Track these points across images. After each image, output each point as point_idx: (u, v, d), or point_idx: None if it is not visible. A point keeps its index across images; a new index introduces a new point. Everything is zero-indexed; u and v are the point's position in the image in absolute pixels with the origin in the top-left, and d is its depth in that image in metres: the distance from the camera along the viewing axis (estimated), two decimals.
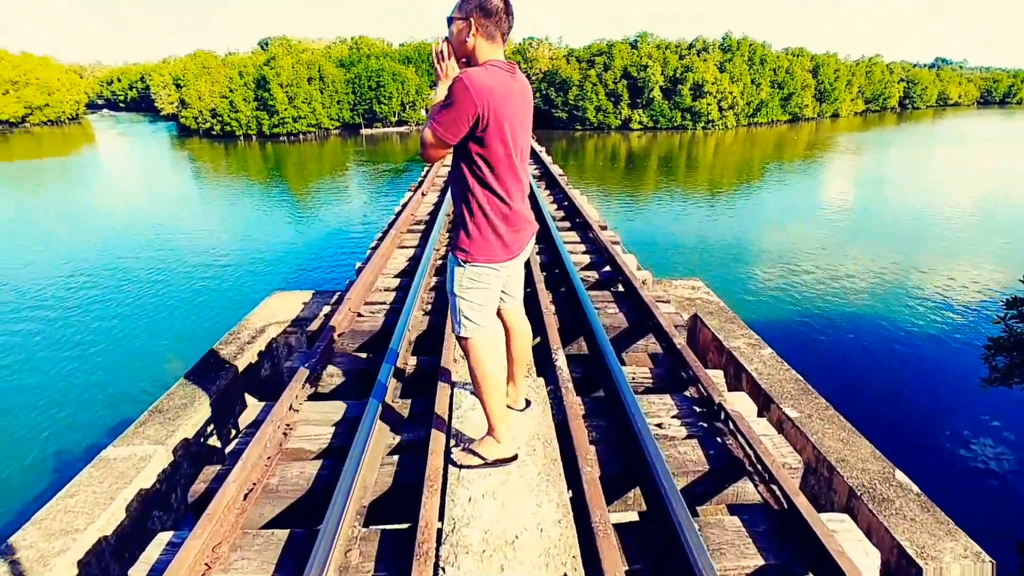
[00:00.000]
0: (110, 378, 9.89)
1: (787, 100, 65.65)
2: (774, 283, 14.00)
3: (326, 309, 5.14)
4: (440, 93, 2.34)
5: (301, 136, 57.02)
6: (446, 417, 3.02)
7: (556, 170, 13.02)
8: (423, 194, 10.11)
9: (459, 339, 2.55)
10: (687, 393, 3.56)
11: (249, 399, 5.47)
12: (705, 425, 3.19)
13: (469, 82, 2.11)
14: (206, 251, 17.99)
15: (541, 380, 3.44)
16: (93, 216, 23.74)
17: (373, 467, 2.77)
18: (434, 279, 5.55)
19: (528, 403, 3.12)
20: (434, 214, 8.47)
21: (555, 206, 9.46)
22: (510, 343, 2.81)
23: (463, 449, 2.72)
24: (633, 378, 3.77)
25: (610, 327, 4.50)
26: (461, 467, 2.65)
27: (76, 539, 3.33)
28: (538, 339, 4.33)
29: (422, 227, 7.81)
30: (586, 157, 42.84)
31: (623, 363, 4.12)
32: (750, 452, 2.84)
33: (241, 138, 55.98)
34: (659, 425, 3.18)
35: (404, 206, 9.42)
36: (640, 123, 60.27)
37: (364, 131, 61.69)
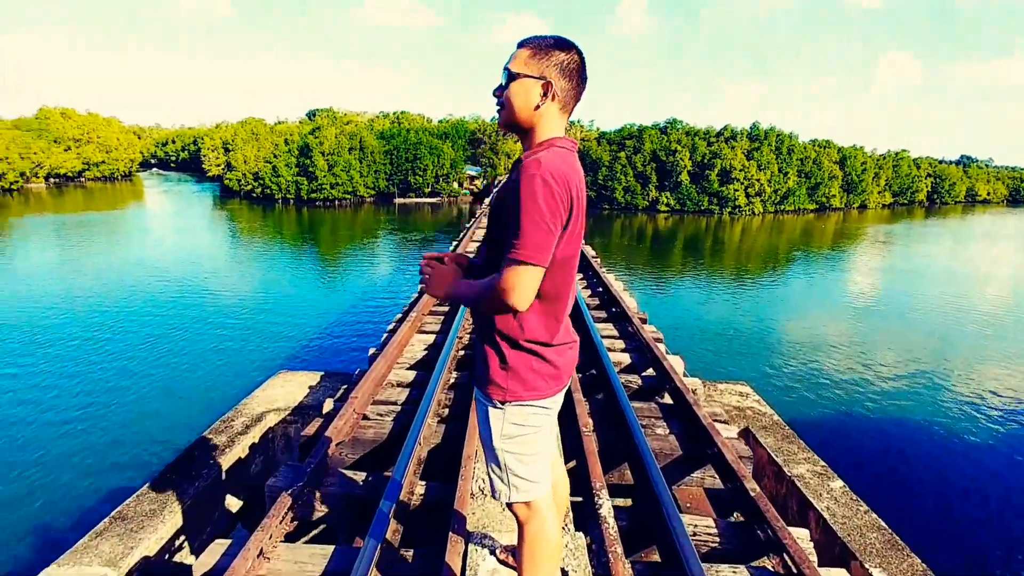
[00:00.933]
0: (76, 470, 8.76)
1: (814, 189, 65.98)
2: (823, 387, 12.91)
3: (329, 403, 4.49)
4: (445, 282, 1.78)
5: (337, 202, 58.67)
6: None
7: (588, 250, 12.52)
8: None
9: (511, 507, 1.89)
10: (768, 565, 2.76)
11: (230, 503, 4.75)
12: None
13: (552, 177, 1.52)
14: (219, 316, 17.64)
15: (581, 537, 2.68)
16: (121, 273, 23.94)
17: None
18: (454, 375, 4.90)
19: (564, 573, 2.37)
20: None
21: (588, 291, 8.87)
22: None
23: None
24: (694, 533, 2.98)
25: (660, 453, 3.75)
26: None
27: None
28: (573, 463, 3.60)
29: (446, 308, 7.25)
30: (613, 236, 42.85)
31: (677, 505, 3.34)
32: None
33: (280, 201, 57.83)
34: None
35: None
36: (667, 205, 60.90)
37: (397, 200, 63.33)
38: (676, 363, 5.44)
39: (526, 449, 1.80)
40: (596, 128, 72.97)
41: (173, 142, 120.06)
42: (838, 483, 4.60)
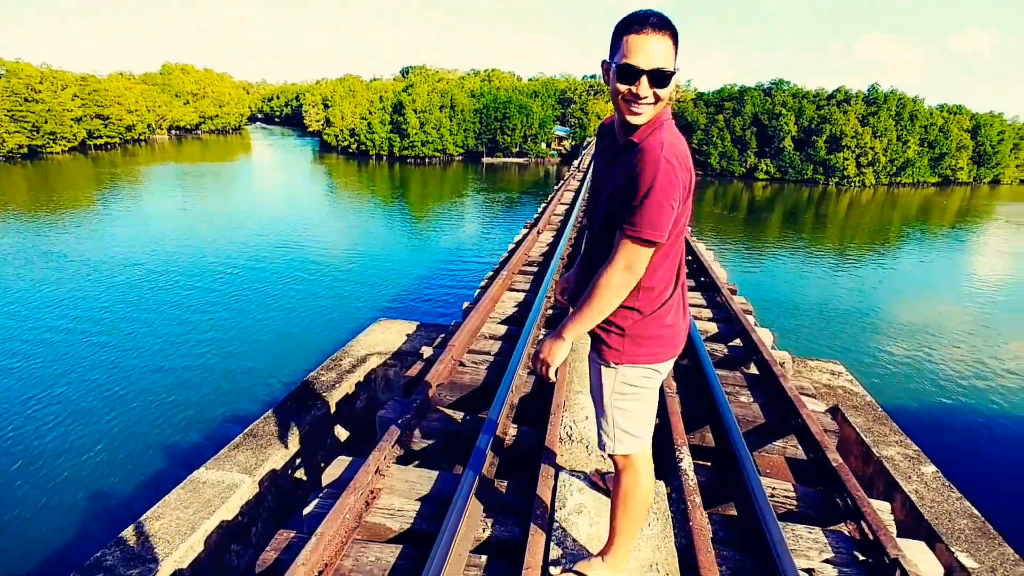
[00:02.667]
0: (212, 391, 10.18)
1: (938, 160, 59.41)
2: (927, 375, 12.12)
3: (427, 349, 4.89)
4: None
5: (427, 160, 60.01)
6: (547, 515, 2.57)
7: None
8: (539, 232, 9.84)
9: (612, 457, 2.07)
10: (844, 530, 2.85)
11: (339, 432, 5.34)
12: None
13: (674, 157, 1.62)
14: (322, 264, 18.98)
15: (661, 485, 2.89)
16: (234, 222, 26.01)
17: (457, 569, 2.37)
18: (543, 331, 5.15)
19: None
20: (549, 256, 8.14)
21: None
22: None
23: (565, 570, 2.26)
24: (772, 494, 3.10)
25: (743, 420, 3.85)
26: None
27: (152, 569, 3.21)
28: (656, 421, 3.78)
29: (535, 269, 7.49)
30: (705, 204, 41.10)
31: (757, 470, 3.45)
32: None
33: (374, 157, 59.94)
34: (809, 572, 2.52)
35: (518, 244, 9.20)
36: (766, 173, 57.26)
37: (485, 159, 63.81)
38: (765, 336, 5.41)
39: (634, 407, 1.95)
40: (694, 88, 69.30)
41: (277, 98, 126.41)
42: (930, 468, 4.50)
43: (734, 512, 3.02)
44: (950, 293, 19.55)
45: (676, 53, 1.65)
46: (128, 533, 3.45)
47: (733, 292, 6.85)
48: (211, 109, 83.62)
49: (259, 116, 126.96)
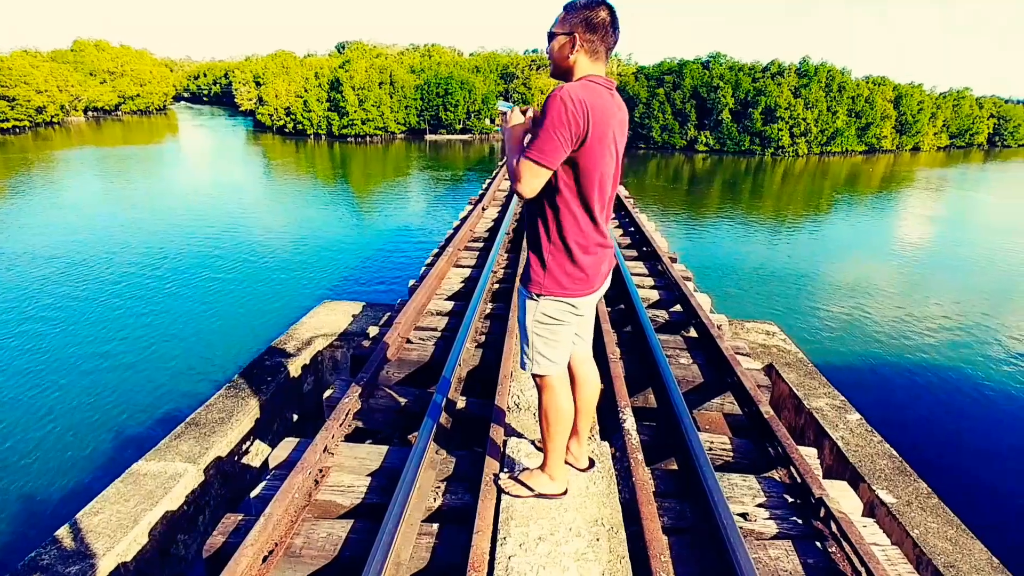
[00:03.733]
0: (149, 381, 9.74)
1: (864, 130, 62.52)
2: (856, 331, 12.90)
3: (374, 329, 4.86)
4: (516, 137, 2.14)
5: (368, 138, 58.42)
6: (496, 480, 2.64)
7: (622, 191, 12.52)
8: (483, 208, 9.83)
9: (534, 376, 2.38)
10: (776, 476, 3.05)
11: (288, 416, 5.25)
12: (800, 522, 2.68)
13: (569, 98, 1.87)
14: (262, 248, 18.34)
15: (606, 445, 3.01)
16: (159, 206, 24.69)
17: (409, 538, 2.41)
18: (489, 306, 5.20)
19: (592, 463, 2.79)
20: (494, 232, 8.15)
21: (620, 231, 8.99)
22: (576, 392, 2.52)
23: (511, 476, 2.63)
24: (710, 448, 3.28)
25: (682, 380, 4.02)
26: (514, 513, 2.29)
27: (93, 564, 3.11)
28: (600, 387, 3.91)
29: (480, 245, 7.50)
30: (647, 177, 41.89)
31: (696, 426, 3.63)
32: (861, 570, 2.32)
33: (311, 137, 57.87)
34: (743, 515, 2.69)
35: (463, 220, 9.17)
36: (706, 145, 58.79)
37: (428, 137, 62.70)
38: (703, 300, 5.63)
39: (550, 335, 2.24)
40: (634, 63, 69.92)
41: (204, 75, 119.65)
42: (855, 416, 4.84)
43: (675, 467, 3.18)
44: (876, 255, 20.78)
45: (564, 23, 2.02)
46: (64, 531, 3.32)
47: (673, 260, 7.07)
48: (131, 88, 78.33)
49: (185, 95, 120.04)
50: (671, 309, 5.58)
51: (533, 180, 1.97)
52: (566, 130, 1.88)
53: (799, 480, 2.86)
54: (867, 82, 65.86)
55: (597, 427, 3.24)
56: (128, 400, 9.16)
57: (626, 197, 11.62)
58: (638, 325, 4.70)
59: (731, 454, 3.27)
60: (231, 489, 4.31)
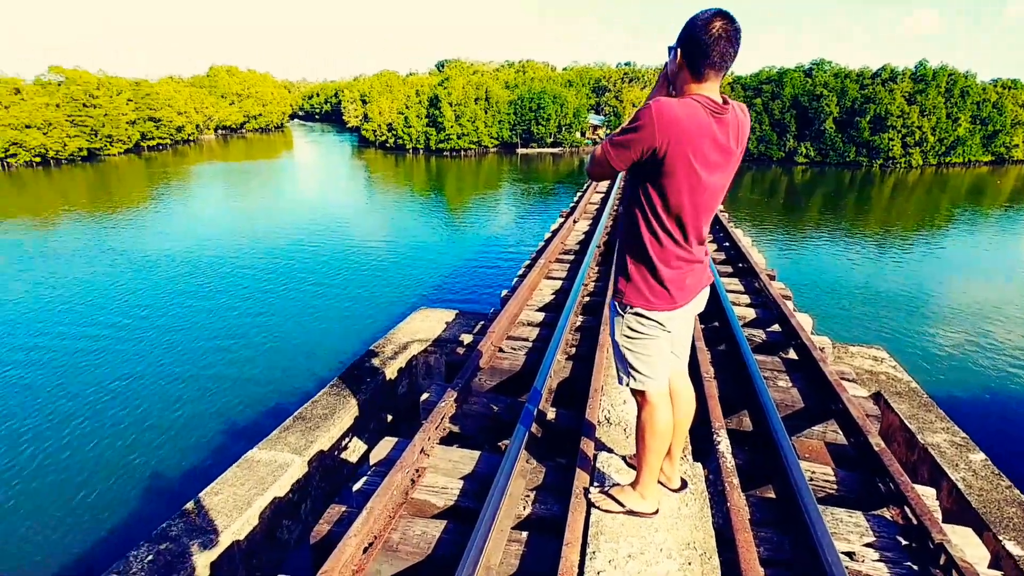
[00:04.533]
0: (262, 376, 10.69)
1: (991, 138, 56.05)
2: (978, 361, 11.61)
3: (467, 336, 5.01)
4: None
5: (462, 152, 60.31)
6: (584, 490, 2.64)
7: None
8: (574, 221, 9.85)
9: (632, 392, 2.39)
10: (887, 515, 2.82)
11: (383, 415, 5.51)
12: (915, 568, 2.46)
13: (656, 109, 1.90)
14: (363, 255, 19.42)
15: (699, 467, 2.92)
16: (272, 216, 26.82)
17: (499, 544, 2.47)
18: (580, 318, 5.20)
19: (684, 484, 2.73)
20: (585, 244, 8.16)
21: (714, 246, 8.69)
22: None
23: (601, 491, 2.61)
24: (811, 478, 3.09)
25: (781, 404, 3.82)
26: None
27: (213, 539, 3.43)
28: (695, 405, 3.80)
29: (572, 257, 7.53)
30: (742, 189, 40.09)
31: (796, 454, 3.44)
32: None
33: (410, 151, 60.61)
34: (849, 554, 2.52)
35: (554, 233, 9.24)
36: (806, 156, 55.41)
37: (520, 150, 63.72)
38: (804, 320, 5.33)
39: (641, 350, 2.25)
40: (731, 73, 67.45)
41: (317, 95, 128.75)
42: (979, 455, 4.38)
43: (772, 495, 3.03)
44: (1002, 278, 18.62)
45: (679, 35, 2.01)
46: (190, 506, 3.68)
47: (771, 277, 6.74)
48: (255, 108, 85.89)
49: (300, 113, 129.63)
50: (769, 329, 5.32)
51: (594, 166, 2.10)
52: (636, 139, 1.93)
53: (915, 521, 2.63)
54: (995, 86, 59.22)
55: (690, 447, 3.15)
56: (243, 392, 10.05)
57: (720, 211, 11.22)
58: (733, 344, 4.53)
59: (835, 486, 3.07)
60: (331, 481, 4.59)
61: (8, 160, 45.59)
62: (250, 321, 13.38)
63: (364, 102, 74.12)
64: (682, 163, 1.93)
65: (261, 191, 35.80)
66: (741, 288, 6.47)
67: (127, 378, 10.56)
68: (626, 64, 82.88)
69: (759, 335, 5.13)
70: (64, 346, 11.98)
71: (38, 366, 11.15)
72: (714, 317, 5.37)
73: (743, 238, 9.00)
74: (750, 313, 5.66)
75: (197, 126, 70.76)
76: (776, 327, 5.36)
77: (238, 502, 3.73)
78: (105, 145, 53.08)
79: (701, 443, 3.32)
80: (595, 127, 68.93)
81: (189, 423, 9.14)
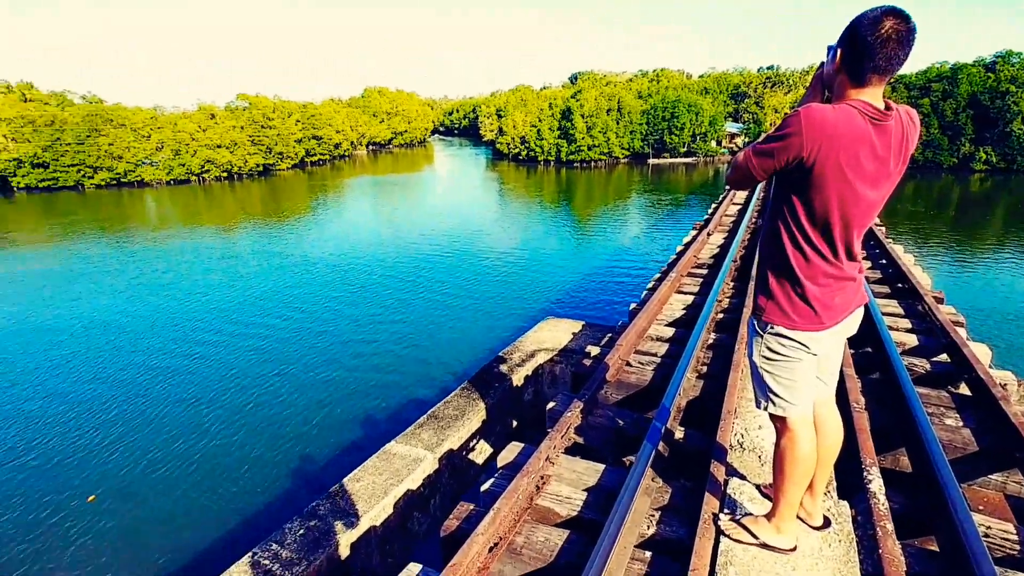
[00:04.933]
0: (399, 373, 11.58)
1: None
2: None
3: (593, 348, 5.01)
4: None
5: (592, 163, 60.27)
6: (713, 517, 2.54)
7: None
8: (708, 234, 9.45)
9: (771, 418, 2.24)
10: None
11: (508, 420, 5.67)
12: None
13: (805, 116, 1.78)
14: (494, 263, 20.14)
15: (846, 505, 2.68)
16: (413, 225, 28.67)
17: (621, 561, 2.45)
18: (713, 336, 4.99)
19: (827, 522, 2.51)
20: (720, 259, 7.80)
21: (868, 263, 7.87)
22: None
23: (732, 519, 2.49)
24: (986, 534, 2.70)
25: (948, 445, 3.38)
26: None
27: (353, 522, 3.75)
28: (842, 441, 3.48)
29: (705, 272, 7.24)
30: (903, 200, 35.69)
31: (967, 504, 3.02)
32: None
33: (541, 163, 61.75)
34: None
35: (687, 246, 8.93)
36: (986, 163, 48.02)
37: (651, 161, 62.31)
38: (980, 351, 4.66)
39: (782, 373, 2.10)
40: None
41: (457, 111, 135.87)
42: None
43: (934, 547, 2.69)
44: None
45: (841, 35, 1.87)
46: (335, 490, 4.05)
47: (939, 301, 5.96)
48: (401, 125, 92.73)
49: (440, 129, 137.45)
50: (934, 359, 4.72)
51: (735, 173, 2.02)
52: (782, 147, 1.83)
53: None
54: None
55: (835, 483, 2.90)
56: (383, 388, 10.93)
57: (875, 225, 10.13)
58: (890, 373, 4.07)
59: (1017, 547, 2.65)
60: (458, 479, 4.81)
61: (203, 175, 53.30)
62: (390, 323, 14.45)
63: (499, 116, 76.89)
64: (833, 174, 1.80)
65: (404, 202, 38.48)
66: (900, 311, 5.81)
67: (282, 372, 11.89)
68: (769, 68, 77.80)
69: (922, 365, 4.57)
70: (233, 343, 13.75)
71: (212, 358, 12.90)
72: (867, 342, 4.88)
73: (903, 255, 8.06)
74: (911, 339, 5.06)
75: (352, 143, 77.68)
76: (943, 357, 4.74)
77: (376, 490, 4.05)
78: (277, 161, 60.07)
79: (847, 479, 3.04)
80: (732, 135, 65.51)
81: (333, 413, 10.09)
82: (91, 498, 8.27)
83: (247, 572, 3.37)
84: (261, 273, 19.69)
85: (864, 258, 8.24)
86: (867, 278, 6.95)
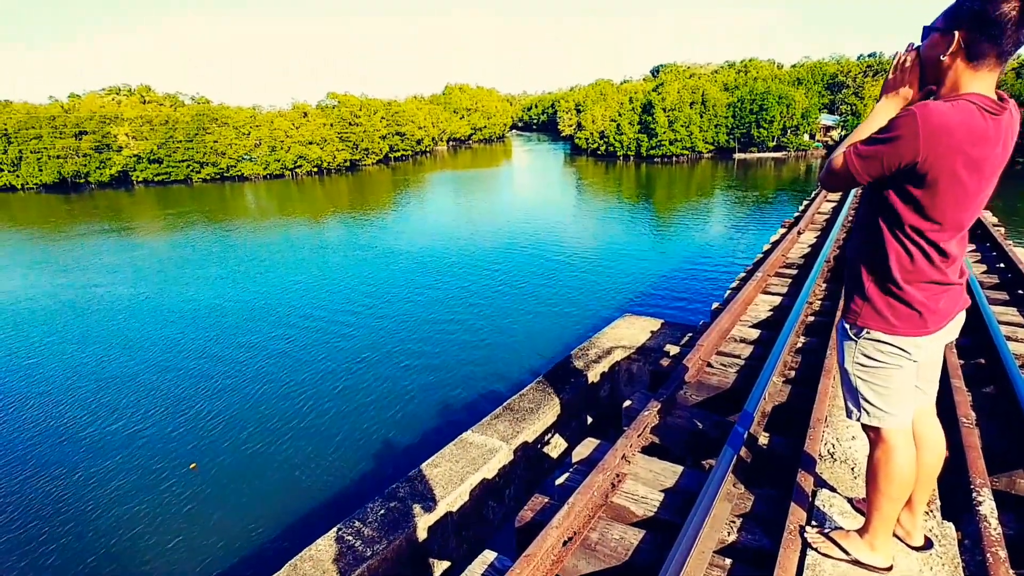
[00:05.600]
0: (478, 365, 11.86)
1: None
2: None
3: (672, 347, 4.89)
4: (876, 114, 1.86)
5: (674, 158, 58.56)
6: (801, 532, 2.42)
7: (988, 216, 9.95)
8: (799, 232, 8.96)
9: (865, 428, 2.09)
10: None
11: (583, 417, 5.65)
12: None
13: (922, 118, 1.60)
14: (572, 258, 20.07)
15: (950, 527, 2.48)
16: (492, 220, 29.03)
17: (700, 566, 2.39)
18: (802, 339, 4.74)
19: (929, 543, 2.33)
20: (811, 258, 7.38)
21: (983, 267, 7.18)
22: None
23: (821, 532, 2.36)
24: None
25: None
26: None
27: (431, 506, 3.87)
28: (946, 454, 3.22)
29: (794, 272, 6.87)
30: (1020, 198, 32.10)
31: None
32: None
33: (621, 158, 60.71)
34: None
35: (774, 245, 8.51)
36: None
37: (737, 155, 59.67)
38: None
39: (879, 381, 1.95)
40: (1018, 55, 54.50)
41: (535, 107, 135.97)
42: None
43: None
44: None
45: (945, 17, 1.70)
46: (414, 474, 4.20)
47: None
48: (481, 121, 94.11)
49: (519, 125, 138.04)
50: None
51: (830, 176, 1.88)
52: (890, 151, 1.67)
53: None
54: None
55: (938, 502, 2.69)
56: (461, 377, 11.26)
57: (993, 225, 9.20)
58: (1007, 385, 3.71)
59: None
60: (532, 471, 4.86)
61: (296, 171, 56.53)
62: (467, 315, 14.77)
63: (578, 111, 76.26)
64: (947, 177, 1.65)
65: (483, 196, 39.10)
66: (1020, 320, 5.27)
67: (365, 360, 12.45)
68: (870, 55, 72.37)
69: None
70: (322, 329, 14.53)
71: (302, 344, 13.70)
72: (979, 352, 4.47)
73: (1023, 257, 7.29)
74: None
75: (433, 139, 79.70)
76: None
77: (453, 477, 4.16)
78: (363, 157, 62.69)
79: (953, 499, 2.81)
80: (827, 128, 61.49)
81: (413, 401, 10.47)
82: (193, 465, 9.04)
83: (332, 546, 3.57)
84: (347, 264, 20.70)
85: (978, 260, 7.54)
86: (981, 283, 6.34)
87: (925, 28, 1.77)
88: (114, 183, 53.68)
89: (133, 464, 9.15)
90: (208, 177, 54.27)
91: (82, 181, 53.26)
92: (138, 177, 53.69)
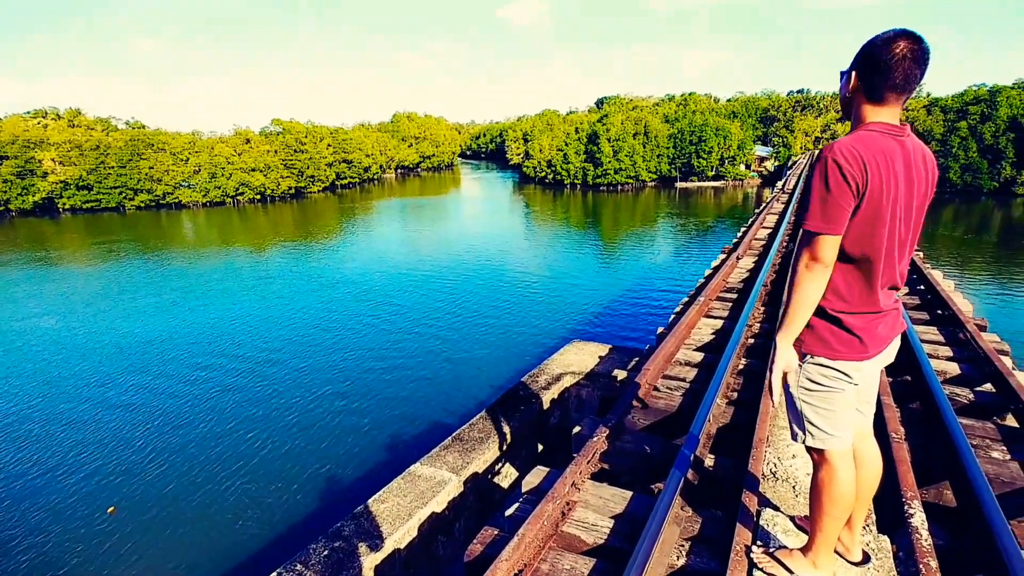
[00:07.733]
0: (424, 395, 11.61)
1: None
2: None
3: (620, 372, 4.95)
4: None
5: (619, 187, 60.32)
6: (747, 553, 2.45)
7: None
8: (738, 258, 9.32)
9: (808, 450, 2.15)
10: None
11: (534, 444, 5.61)
12: None
13: (841, 156, 1.75)
14: (519, 287, 20.15)
15: (886, 540, 2.57)
16: (439, 247, 28.96)
17: None
18: (743, 361, 4.89)
19: (866, 557, 2.41)
20: (750, 283, 7.67)
21: (905, 289, 7.66)
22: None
23: (766, 552, 2.39)
24: None
25: (996, 480, 3.23)
26: None
27: (378, 544, 3.72)
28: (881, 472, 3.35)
29: (734, 296, 7.12)
30: (940, 225, 34.81)
31: (1018, 543, 2.87)
32: None
33: (568, 187, 62.04)
34: None
35: (715, 270, 8.82)
36: None
37: (678, 184, 62.11)
38: None
39: (823, 404, 2.02)
40: (927, 95, 59.38)
41: (484, 136, 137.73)
42: None
43: None
44: None
45: (855, 57, 1.87)
46: (360, 511, 4.04)
47: (981, 328, 5.76)
48: (429, 150, 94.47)
49: (467, 153, 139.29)
50: (977, 388, 4.54)
51: (823, 252, 1.84)
52: (840, 190, 1.76)
53: None
54: None
55: (874, 517, 2.79)
56: (408, 409, 10.95)
57: (915, 250, 9.87)
58: (930, 402, 3.93)
59: None
60: (483, 503, 4.76)
61: (238, 198, 54.89)
62: (415, 345, 14.52)
63: (526, 140, 77.73)
64: (872, 204, 1.78)
65: (430, 224, 38.97)
66: (940, 339, 5.62)
67: (307, 392, 12.01)
68: (799, 92, 77.35)
69: (964, 395, 4.39)
70: (262, 360, 13.98)
71: (240, 375, 13.12)
72: (905, 370, 4.72)
73: (942, 281, 7.83)
74: (952, 368, 4.88)
75: (380, 166, 79.30)
76: (988, 386, 4.56)
77: (400, 512, 4.03)
78: (308, 184, 61.60)
79: (887, 513, 2.92)
80: (762, 159, 65.00)
81: (359, 434, 10.12)
82: (111, 509, 8.40)
83: None
84: (291, 295, 20.08)
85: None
86: (905, 304, 6.75)
87: (841, 72, 1.96)
88: (38, 211, 50.61)
89: (48, 506, 8.45)
90: (143, 204, 51.98)
91: (1, 209, 49.96)
92: (65, 204, 50.83)
